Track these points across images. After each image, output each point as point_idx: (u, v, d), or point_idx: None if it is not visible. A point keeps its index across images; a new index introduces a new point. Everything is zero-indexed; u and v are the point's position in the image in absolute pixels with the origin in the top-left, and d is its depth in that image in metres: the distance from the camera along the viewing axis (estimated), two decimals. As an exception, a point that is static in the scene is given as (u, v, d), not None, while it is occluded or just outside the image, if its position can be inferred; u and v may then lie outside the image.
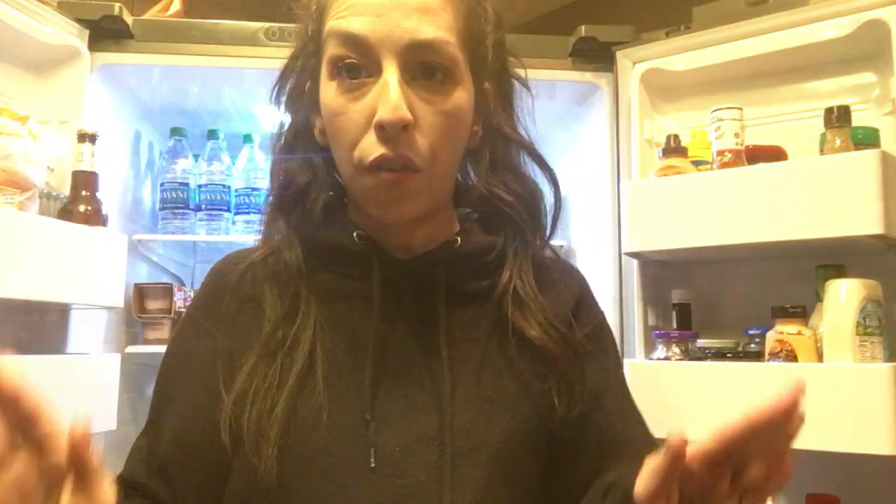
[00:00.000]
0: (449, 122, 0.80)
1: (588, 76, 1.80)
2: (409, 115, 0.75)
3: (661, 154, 1.55)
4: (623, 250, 1.58)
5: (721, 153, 1.45)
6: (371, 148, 0.77)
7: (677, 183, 1.47)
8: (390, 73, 0.76)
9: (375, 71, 0.78)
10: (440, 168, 0.81)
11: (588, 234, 1.93)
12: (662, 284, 1.64)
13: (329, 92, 0.80)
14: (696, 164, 1.54)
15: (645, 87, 1.66)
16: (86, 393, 1.56)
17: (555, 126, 2.09)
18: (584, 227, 1.97)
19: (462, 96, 0.80)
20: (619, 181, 1.72)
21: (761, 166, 1.39)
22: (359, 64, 0.78)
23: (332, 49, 0.79)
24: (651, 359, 1.51)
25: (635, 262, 1.63)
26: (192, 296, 2.16)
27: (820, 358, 1.32)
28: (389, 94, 0.75)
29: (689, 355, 1.46)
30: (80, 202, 1.56)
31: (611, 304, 1.74)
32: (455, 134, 0.82)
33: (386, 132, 0.76)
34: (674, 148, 1.53)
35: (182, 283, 2.32)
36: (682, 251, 1.48)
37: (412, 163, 0.77)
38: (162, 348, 1.85)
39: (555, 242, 2.16)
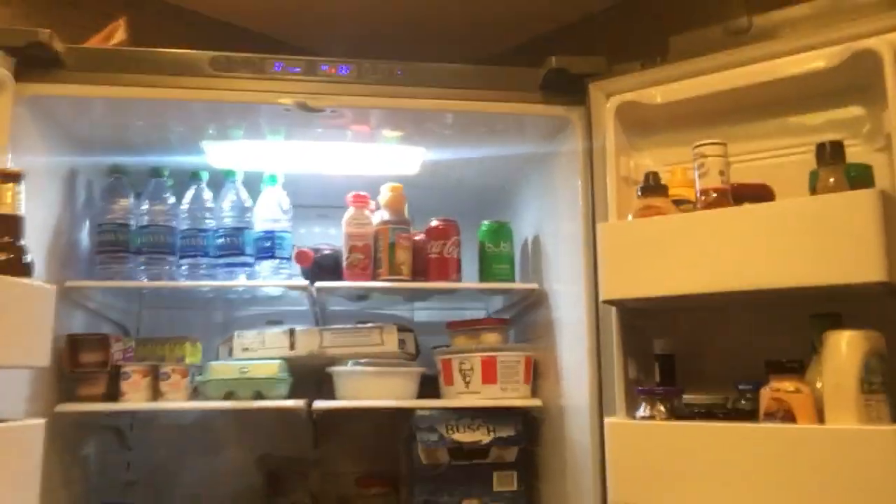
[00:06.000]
0: None
1: (559, 110, 1.69)
2: None
3: (639, 193, 1.43)
4: (601, 298, 1.45)
5: (705, 192, 1.33)
6: None
7: (658, 224, 1.35)
8: None
9: None
10: None
11: (561, 278, 1.80)
12: (643, 334, 1.51)
13: None
14: (677, 203, 1.43)
15: (620, 121, 1.55)
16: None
17: (524, 163, 1.98)
18: (556, 271, 1.84)
19: None
20: (595, 222, 1.59)
21: (750, 206, 1.28)
22: None
23: None
24: (634, 417, 1.37)
25: (614, 311, 1.50)
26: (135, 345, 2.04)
27: (820, 418, 1.19)
28: None
29: (675, 414, 1.33)
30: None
31: (586, 356, 1.61)
32: None
33: None
34: (653, 186, 1.42)
35: (126, 332, 2.14)
36: (665, 299, 1.35)
37: None
38: (97, 406, 1.69)
39: (525, 285, 2.09)
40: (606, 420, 1.39)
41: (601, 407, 1.56)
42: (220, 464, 2.25)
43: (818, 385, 1.23)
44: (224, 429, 2.26)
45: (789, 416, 1.20)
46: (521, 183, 2.10)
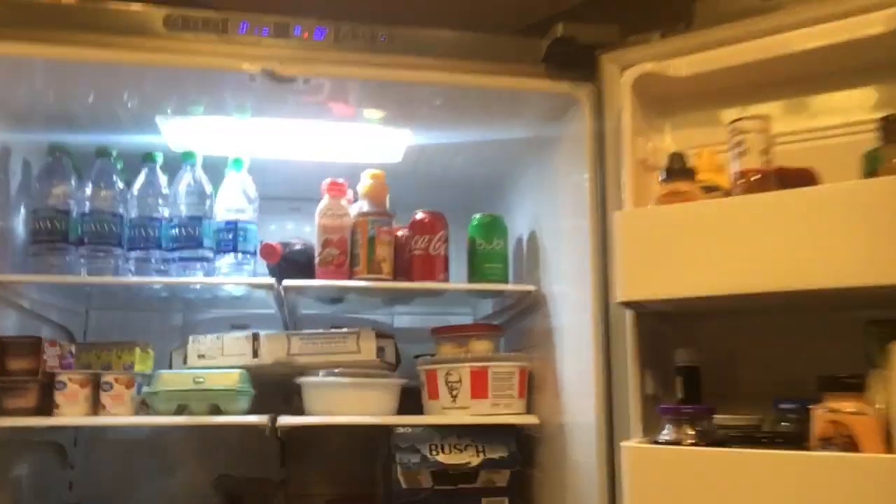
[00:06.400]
0: None
1: (565, 86, 1.48)
2: None
3: (663, 176, 1.22)
4: (614, 299, 1.24)
5: (744, 174, 1.13)
6: None
7: (689, 211, 1.15)
8: None
9: None
10: None
11: (563, 280, 1.59)
12: (663, 343, 1.30)
13: None
14: (706, 190, 1.22)
15: (637, 97, 1.34)
16: None
17: (521, 151, 1.77)
18: (557, 271, 1.63)
19: None
20: (605, 215, 1.39)
21: (802, 190, 1.08)
22: None
23: None
24: (656, 441, 1.16)
25: (629, 315, 1.29)
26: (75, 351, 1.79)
27: (890, 446, 0.98)
28: None
29: (706, 438, 1.12)
30: None
31: (593, 368, 1.39)
32: None
33: None
34: (679, 169, 1.22)
35: (70, 336, 1.90)
36: (693, 301, 1.14)
37: None
38: (27, 421, 1.44)
39: (520, 286, 1.87)
40: (623, 445, 1.18)
41: (610, 427, 1.36)
42: (174, 485, 2.01)
43: (877, 405, 1.03)
44: (179, 446, 2.03)
45: (850, 443, 0.99)
46: (515, 174, 1.89)
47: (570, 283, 1.54)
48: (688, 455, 1.10)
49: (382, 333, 1.77)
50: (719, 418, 1.17)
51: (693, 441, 1.12)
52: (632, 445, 1.17)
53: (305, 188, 1.78)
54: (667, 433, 1.15)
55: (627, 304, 1.25)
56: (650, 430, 1.23)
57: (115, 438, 1.99)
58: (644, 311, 1.26)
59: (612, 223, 1.26)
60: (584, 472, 1.43)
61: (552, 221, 1.66)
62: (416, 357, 1.88)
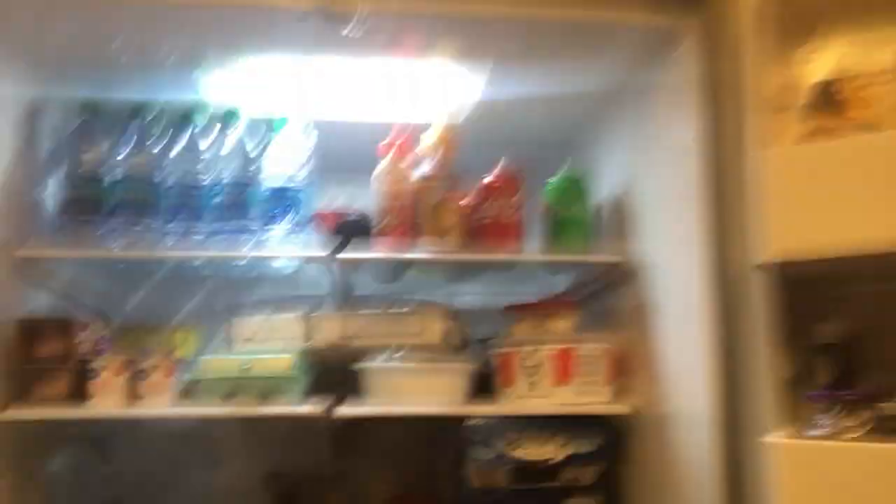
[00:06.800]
0: None
1: (667, 17, 1.26)
2: None
3: (806, 110, 1.00)
4: (757, 261, 1.02)
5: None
6: None
7: (863, 145, 0.92)
8: None
9: None
10: None
11: (662, 247, 1.38)
12: (802, 315, 1.08)
13: None
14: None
15: (763, 21, 1.11)
16: None
17: (607, 102, 1.56)
18: (654, 237, 1.41)
19: None
20: (720, 167, 1.18)
21: None
22: None
23: None
24: (810, 435, 0.94)
25: (761, 283, 1.07)
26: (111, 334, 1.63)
27: None
28: None
29: (878, 429, 0.90)
30: None
31: (706, 348, 1.18)
32: None
33: None
34: (826, 102, 0.99)
35: (107, 319, 1.73)
36: (849, 261, 0.92)
37: None
38: (56, 412, 1.28)
39: (609, 257, 1.54)
40: (769, 440, 0.96)
41: (731, 417, 1.14)
42: (220, 480, 1.84)
43: None
44: (226, 438, 1.85)
45: None
46: (597, 130, 1.67)
47: (672, 250, 1.32)
48: (855, 452, 0.88)
49: (449, 313, 1.57)
50: (887, 406, 0.95)
51: (858, 434, 0.90)
52: (780, 441, 0.95)
53: (359, 156, 1.58)
54: (822, 425, 0.93)
55: (769, 268, 1.02)
56: (796, 422, 1.01)
57: (158, 430, 1.82)
58: (785, 279, 1.04)
59: (757, 167, 1.02)
60: (695, 469, 1.23)
61: (647, 181, 1.45)
62: (481, 341, 1.68)
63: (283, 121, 1.52)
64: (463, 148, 1.51)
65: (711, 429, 1.17)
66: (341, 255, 1.44)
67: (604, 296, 1.61)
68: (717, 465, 1.17)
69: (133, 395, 1.40)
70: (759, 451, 0.99)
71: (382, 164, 1.50)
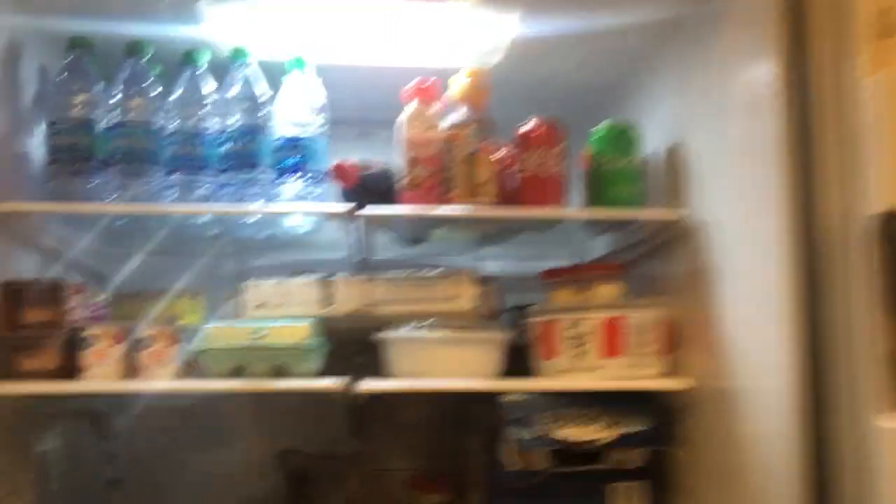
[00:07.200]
0: None
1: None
2: None
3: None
4: (857, 213, 0.86)
5: None
6: None
7: None
8: None
9: None
10: None
11: (729, 202, 1.21)
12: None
13: None
14: None
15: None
16: None
17: (658, 39, 1.39)
18: (717, 192, 1.25)
19: None
20: (806, 110, 1.01)
21: None
22: None
23: None
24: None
25: (860, 238, 0.91)
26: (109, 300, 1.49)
27: None
28: None
29: None
30: None
31: (785, 318, 1.03)
32: None
33: None
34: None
35: (103, 281, 1.58)
36: None
37: None
38: (45, 386, 1.13)
39: (665, 213, 1.30)
40: (883, 423, 0.81)
41: (819, 395, 0.99)
42: (230, 458, 1.71)
43: None
44: (235, 414, 1.72)
45: None
46: (646, 73, 1.49)
47: (742, 206, 1.16)
48: None
49: (481, 278, 1.42)
50: None
51: None
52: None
53: (379, 107, 1.41)
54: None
55: (870, 221, 0.86)
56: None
57: (161, 405, 1.68)
58: (890, 231, 0.88)
59: (861, 98, 0.86)
60: (767, 454, 1.08)
61: (707, 131, 1.27)
62: (513, 310, 1.53)
63: (298, 62, 1.35)
64: (496, 97, 1.35)
65: (791, 409, 1.02)
66: (364, 212, 1.28)
67: (655, 259, 1.45)
68: (798, 451, 1.01)
69: (131, 368, 1.25)
70: (855, 436, 0.84)
71: (407, 110, 1.33)
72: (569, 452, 1.30)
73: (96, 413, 1.63)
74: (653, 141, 1.44)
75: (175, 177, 1.30)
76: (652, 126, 1.45)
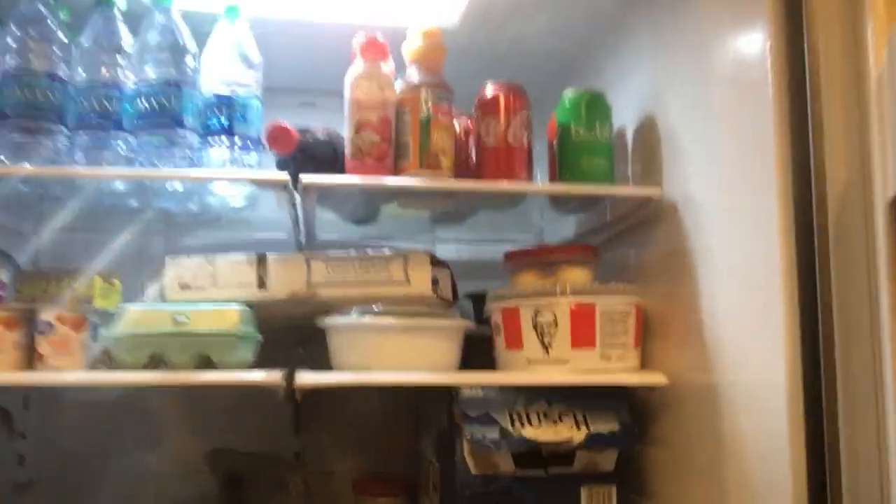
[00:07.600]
0: None
1: None
2: None
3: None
4: (878, 194, 0.74)
5: None
6: None
7: None
8: None
9: None
10: None
11: (715, 179, 1.08)
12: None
13: None
14: None
15: None
16: None
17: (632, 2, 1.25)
18: (701, 167, 1.12)
19: None
20: (812, 76, 0.88)
21: None
22: None
23: None
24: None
25: (877, 222, 0.79)
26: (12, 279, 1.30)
27: None
28: None
29: None
30: None
31: (782, 308, 0.90)
32: None
33: None
34: None
35: (11, 263, 1.39)
36: None
37: None
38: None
39: (643, 189, 1.14)
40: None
41: (822, 392, 0.87)
42: (157, 459, 1.54)
43: None
44: (164, 409, 1.55)
45: None
46: (612, 40, 1.36)
47: (729, 184, 1.03)
48: None
49: (436, 260, 1.27)
50: None
51: None
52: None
53: (322, 73, 1.26)
54: None
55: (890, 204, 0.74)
56: None
57: (80, 399, 1.51)
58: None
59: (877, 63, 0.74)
60: (758, 454, 0.95)
61: (686, 100, 1.14)
62: (469, 296, 1.40)
63: (231, 10, 1.19)
64: (453, 67, 1.20)
65: (789, 406, 0.90)
66: (305, 179, 1.12)
67: (628, 241, 1.32)
68: (791, 451, 0.89)
69: (31, 356, 1.08)
70: (868, 439, 0.72)
71: (357, 68, 1.17)
72: (534, 454, 1.16)
73: (4, 408, 1.46)
74: (624, 113, 1.31)
75: (85, 135, 1.12)
76: (623, 96, 1.31)
